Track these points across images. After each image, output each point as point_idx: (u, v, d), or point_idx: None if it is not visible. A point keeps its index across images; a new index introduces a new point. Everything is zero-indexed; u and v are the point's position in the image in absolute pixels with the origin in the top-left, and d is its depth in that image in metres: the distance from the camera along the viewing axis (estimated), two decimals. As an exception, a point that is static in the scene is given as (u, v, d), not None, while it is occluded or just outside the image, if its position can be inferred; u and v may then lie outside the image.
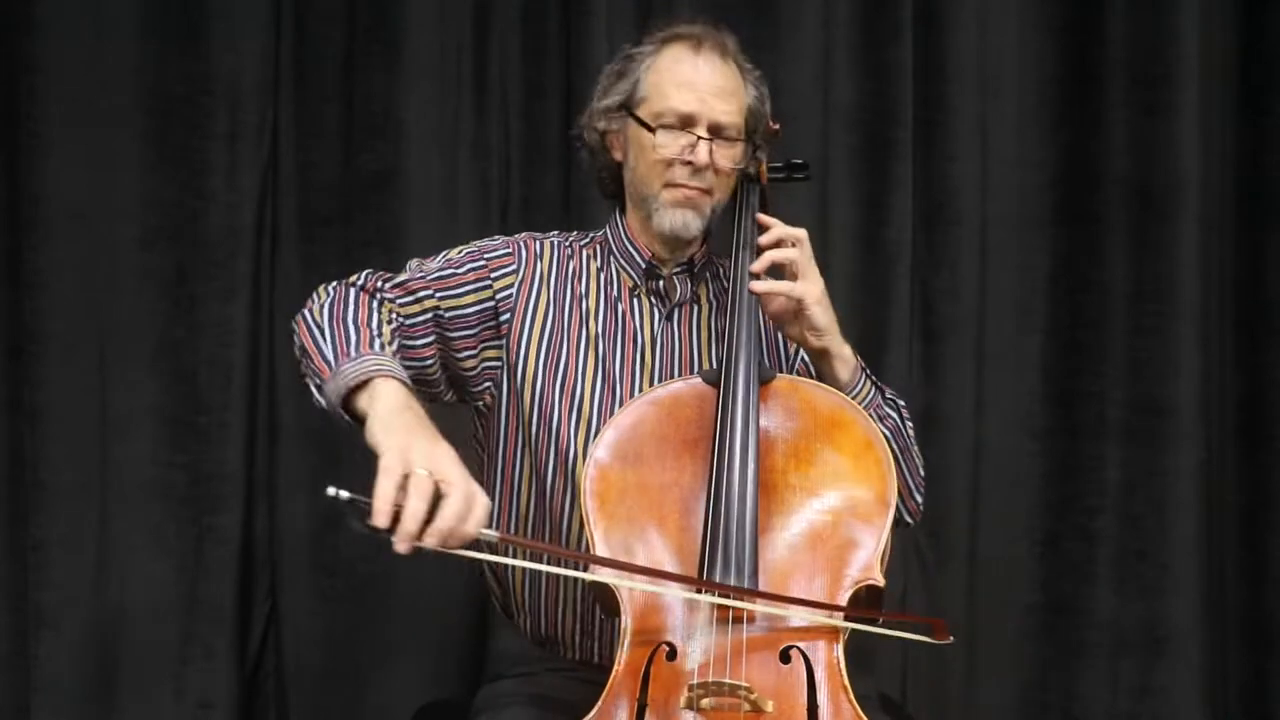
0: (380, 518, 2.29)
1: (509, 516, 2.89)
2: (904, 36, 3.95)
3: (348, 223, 3.91)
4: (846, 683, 2.47)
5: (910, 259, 3.97)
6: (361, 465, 3.73)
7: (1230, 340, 4.02)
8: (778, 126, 3.01)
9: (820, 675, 2.46)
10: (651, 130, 2.85)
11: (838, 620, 2.52)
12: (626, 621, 2.53)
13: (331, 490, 2.30)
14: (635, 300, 2.94)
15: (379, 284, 2.79)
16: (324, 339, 2.62)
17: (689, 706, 2.42)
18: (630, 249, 2.94)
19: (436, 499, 2.31)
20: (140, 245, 3.86)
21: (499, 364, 2.89)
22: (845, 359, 2.81)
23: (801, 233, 2.81)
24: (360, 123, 3.91)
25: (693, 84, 2.85)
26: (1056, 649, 3.98)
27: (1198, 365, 3.94)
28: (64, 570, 3.84)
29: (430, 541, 2.30)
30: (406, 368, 2.65)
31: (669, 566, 2.57)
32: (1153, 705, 3.95)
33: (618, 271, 2.95)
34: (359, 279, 2.79)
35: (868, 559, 2.56)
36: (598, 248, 2.99)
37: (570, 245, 3.00)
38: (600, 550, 2.57)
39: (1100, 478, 3.97)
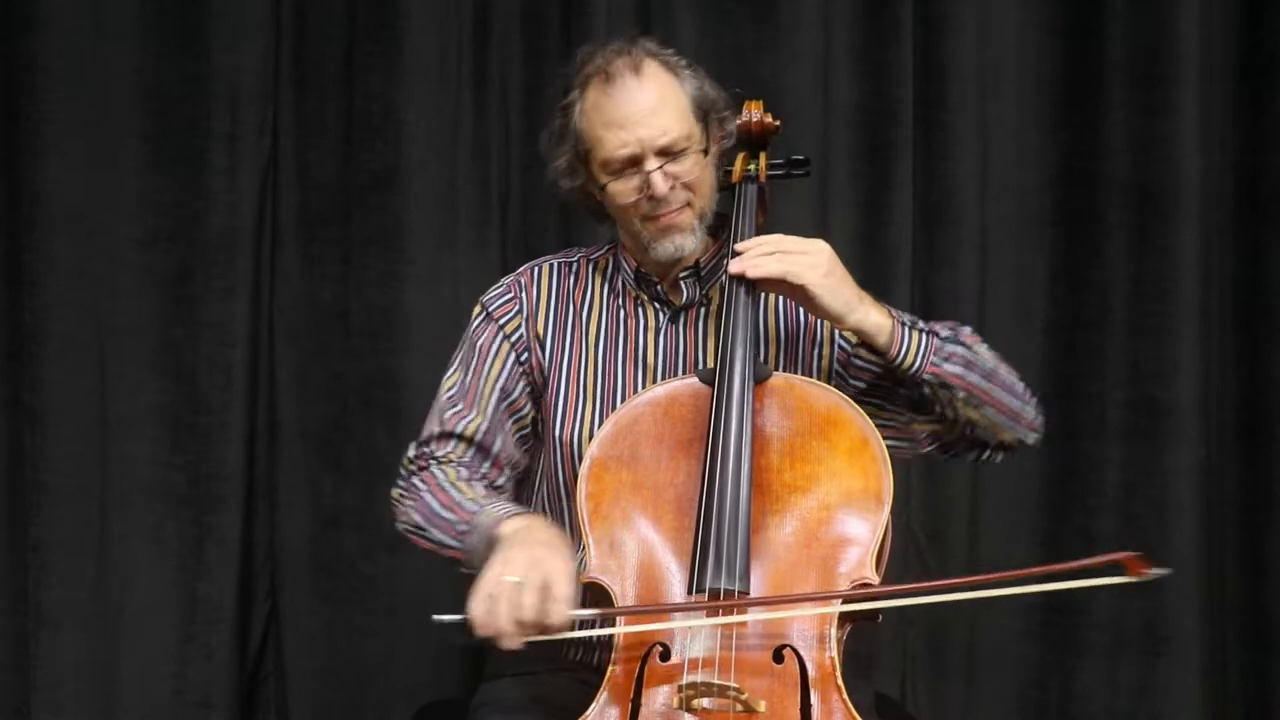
0: (481, 630, 2.47)
1: None
2: (904, 36, 3.94)
3: (348, 223, 3.92)
4: (840, 683, 2.46)
5: (910, 259, 3.96)
6: (360, 467, 3.79)
7: (1230, 340, 4.00)
8: (778, 123, 2.96)
9: (813, 675, 2.46)
10: (603, 184, 2.82)
11: (1011, 590, 2.53)
12: (621, 622, 2.54)
13: (436, 618, 2.51)
14: (639, 306, 2.94)
15: (425, 452, 2.92)
16: (442, 537, 2.78)
17: (682, 707, 2.42)
18: (623, 262, 2.94)
19: (519, 600, 2.47)
20: (140, 245, 3.87)
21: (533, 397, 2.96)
22: (878, 328, 2.72)
23: (770, 239, 2.74)
24: (360, 123, 3.91)
25: (619, 121, 2.77)
26: (1056, 649, 3.97)
27: (1198, 365, 3.93)
28: (64, 570, 3.86)
29: (529, 634, 2.47)
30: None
31: (665, 566, 2.57)
32: (1153, 705, 3.94)
33: (623, 281, 2.95)
34: (412, 466, 2.92)
35: (861, 558, 2.55)
36: (610, 258, 3.00)
37: (575, 261, 3.01)
38: (595, 549, 2.58)
39: (1100, 478, 3.96)
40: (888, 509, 2.59)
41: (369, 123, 3.91)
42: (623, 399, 2.85)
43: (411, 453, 2.94)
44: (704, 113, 2.85)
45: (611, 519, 2.60)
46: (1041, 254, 3.99)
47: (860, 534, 2.58)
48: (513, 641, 2.45)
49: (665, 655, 2.49)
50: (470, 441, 2.90)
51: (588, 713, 2.48)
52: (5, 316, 3.86)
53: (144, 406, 3.88)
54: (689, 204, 2.82)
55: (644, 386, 2.85)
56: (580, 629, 2.52)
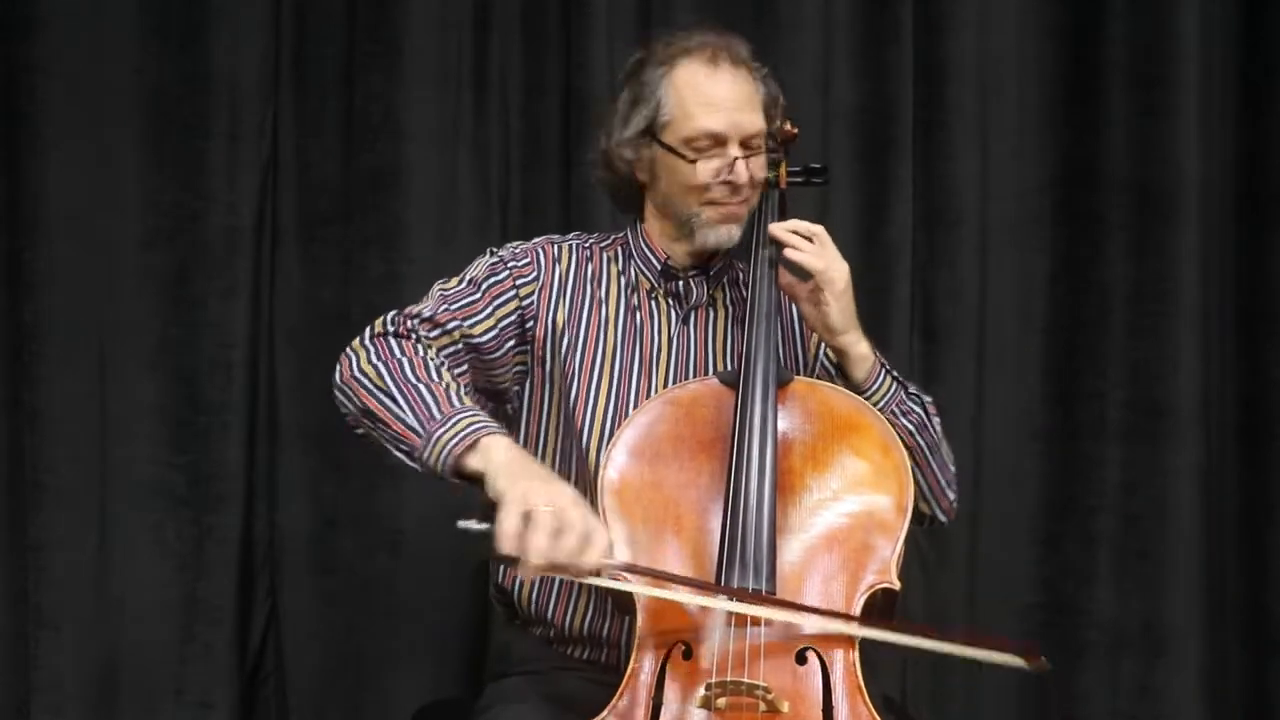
0: (507, 546, 2.37)
1: None
2: (904, 36, 3.95)
3: (348, 223, 3.91)
4: (862, 684, 2.47)
5: (910, 259, 3.97)
6: (360, 467, 3.77)
7: (1230, 340, 4.01)
8: (795, 130, 2.99)
9: (836, 677, 2.47)
10: (688, 159, 2.82)
11: (927, 644, 2.53)
12: (642, 620, 2.53)
13: (462, 523, 2.42)
14: (653, 303, 2.94)
15: (410, 324, 2.75)
16: (399, 405, 2.58)
17: (705, 706, 2.43)
18: (647, 252, 2.94)
19: (558, 535, 2.39)
20: (140, 245, 3.86)
21: (524, 369, 2.90)
22: (862, 357, 2.81)
23: (818, 228, 2.82)
24: (360, 123, 3.90)
25: (718, 102, 2.82)
26: (1056, 649, 3.96)
27: (1198, 365, 3.93)
28: (64, 570, 3.84)
29: (553, 571, 2.41)
30: None
31: (686, 567, 2.57)
32: (1153, 705, 3.94)
33: (636, 274, 2.95)
34: (389, 326, 2.73)
35: (885, 562, 2.57)
36: (618, 249, 2.99)
37: (590, 247, 3.00)
38: (615, 547, 2.56)
39: (1100, 478, 3.96)
40: (909, 514, 2.62)
41: (369, 123, 3.90)
42: (637, 398, 2.85)
43: (390, 316, 2.76)
44: (769, 122, 2.90)
45: (633, 518, 2.60)
46: (1041, 254, 4.00)
47: (883, 539, 2.60)
48: (529, 574, 2.40)
49: (688, 654, 2.49)
50: (452, 339, 2.77)
51: (606, 711, 2.48)
52: (5, 316, 3.84)
53: (144, 406, 3.86)
54: (746, 200, 2.87)
55: (656, 386, 2.86)
56: (597, 578, 2.46)
